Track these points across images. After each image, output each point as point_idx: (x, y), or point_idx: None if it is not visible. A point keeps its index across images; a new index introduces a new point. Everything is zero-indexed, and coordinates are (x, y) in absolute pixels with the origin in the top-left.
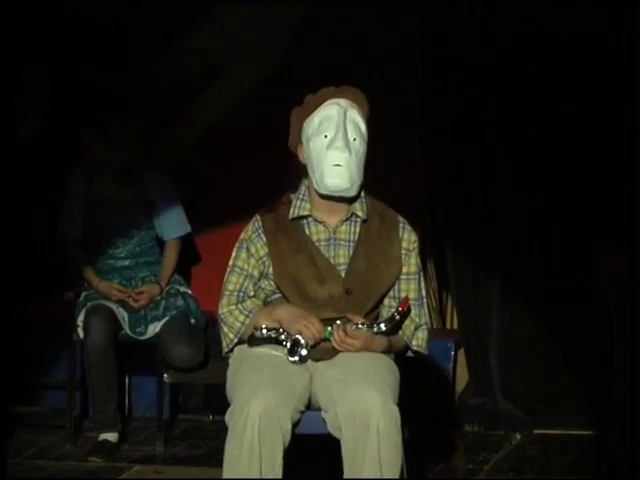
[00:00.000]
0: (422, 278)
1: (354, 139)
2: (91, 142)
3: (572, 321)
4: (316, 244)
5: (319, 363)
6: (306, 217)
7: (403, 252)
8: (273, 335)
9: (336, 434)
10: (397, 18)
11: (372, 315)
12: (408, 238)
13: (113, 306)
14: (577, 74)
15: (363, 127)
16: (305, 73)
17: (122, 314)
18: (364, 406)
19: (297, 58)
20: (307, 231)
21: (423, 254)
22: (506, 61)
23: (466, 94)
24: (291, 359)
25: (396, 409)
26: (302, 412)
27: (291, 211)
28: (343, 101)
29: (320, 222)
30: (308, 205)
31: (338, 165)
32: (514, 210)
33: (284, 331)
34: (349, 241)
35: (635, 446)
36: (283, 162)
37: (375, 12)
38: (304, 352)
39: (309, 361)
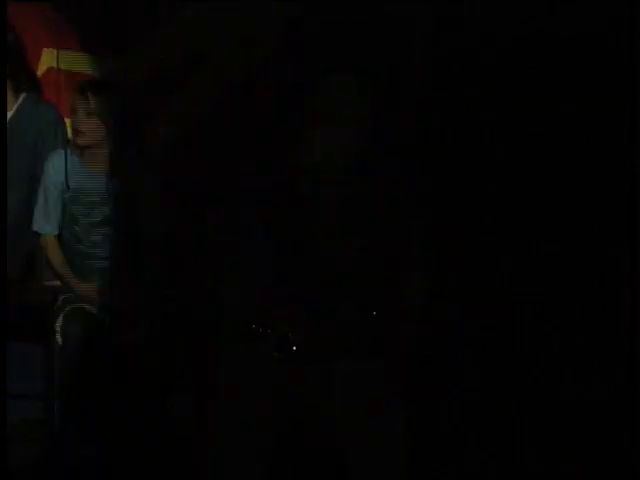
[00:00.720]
0: None
1: None
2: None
3: (572, 320)
4: None
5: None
6: None
7: None
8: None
9: None
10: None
11: None
12: None
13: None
14: (577, 74)
15: None
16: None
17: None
18: None
19: (295, 57)
20: None
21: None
22: (506, 61)
23: (466, 94)
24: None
25: None
26: None
27: None
28: None
29: None
30: None
31: None
32: (514, 209)
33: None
34: None
35: (636, 445)
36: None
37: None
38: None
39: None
